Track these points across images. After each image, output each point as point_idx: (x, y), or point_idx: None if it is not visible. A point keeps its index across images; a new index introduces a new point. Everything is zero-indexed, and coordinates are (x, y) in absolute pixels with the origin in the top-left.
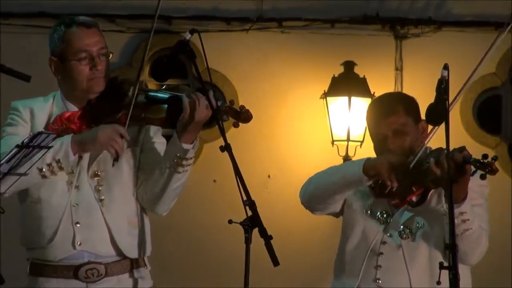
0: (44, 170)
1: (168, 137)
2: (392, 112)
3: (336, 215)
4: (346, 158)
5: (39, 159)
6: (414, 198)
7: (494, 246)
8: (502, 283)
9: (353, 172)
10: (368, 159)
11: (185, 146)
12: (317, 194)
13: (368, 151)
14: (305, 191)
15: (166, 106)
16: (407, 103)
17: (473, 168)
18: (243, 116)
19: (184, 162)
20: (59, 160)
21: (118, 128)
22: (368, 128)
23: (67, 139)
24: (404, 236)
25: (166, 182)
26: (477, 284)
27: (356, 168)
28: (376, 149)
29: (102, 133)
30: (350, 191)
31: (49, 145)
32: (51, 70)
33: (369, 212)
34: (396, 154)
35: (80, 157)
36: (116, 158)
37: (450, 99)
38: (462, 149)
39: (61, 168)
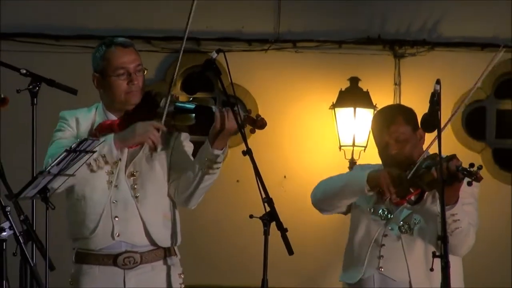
0: (92, 164)
1: (195, 143)
2: (393, 122)
3: (344, 213)
4: (352, 161)
5: (84, 162)
6: (412, 198)
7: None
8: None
9: (357, 183)
10: (371, 172)
11: (216, 151)
12: (325, 198)
13: (371, 155)
14: (315, 195)
15: (193, 115)
16: (406, 114)
17: (462, 176)
18: (259, 123)
19: (214, 165)
20: (104, 155)
21: (153, 122)
22: (373, 136)
23: (111, 137)
24: (403, 230)
25: (198, 181)
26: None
27: (360, 179)
28: (380, 154)
29: (139, 126)
30: (355, 198)
31: (94, 150)
32: (94, 85)
33: (372, 210)
34: (395, 168)
35: (119, 159)
36: (154, 148)
37: (442, 110)
38: (453, 157)
39: (106, 162)
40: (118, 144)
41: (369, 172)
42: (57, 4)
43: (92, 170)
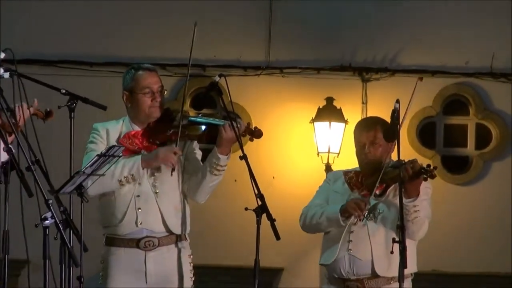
0: (122, 180)
1: (203, 150)
2: (372, 128)
3: None
4: (328, 165)
5: (111, 165)
6: (377, 192)
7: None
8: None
9: (333, 216)
10: (341, 206)
11: (221, 156)
12: (309, 230)
13: (342, 160)
14: (302, 225)
15: (202, 127)
16: (383, 125)
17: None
18: (256, 133)
19: (219, 168)
20: (133, 174)
21: (172, 148)
22: (354, 137)
23: (138, 159)
24: (369, 218)
25: (206, 180)
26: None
27: (335, 213)
28: (357, 153)
29: (162, 152)
30: (333, 228)
31: (119, 154)
32: (123, 101)
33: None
34: (365, 173)
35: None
36: (173, 169)
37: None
38: (415, 160)
39: (134, 180)
40: (144, 165)
41: (340, 207)
42: (90, 37)
43: (122, 185)
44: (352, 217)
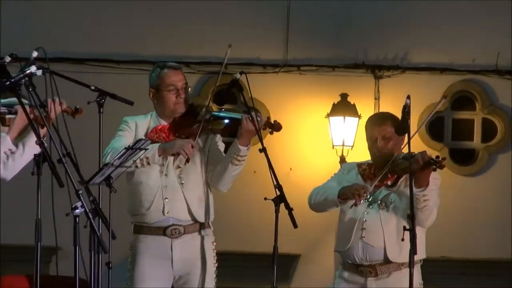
0: (137, 162)
1: (226, 143)
2: (383, 123)
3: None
4: (342, 157)
5: (138, 157)
6: (389, 182)
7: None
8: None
9: (331, 197)
10: (341, 189)
11: (241, 147)
12: (314, 208)
13: (356, 153)
14: (309, 203)
15: (225, 121)
16: (393, 120)
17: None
18: (276, 127)
19: (240, 158)
20: (147, 157)
21: (189, 140)
22: (366, 133)
23: (156, 146)
24: (381, 207)
25: (228, 170)
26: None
27: (334, 195)
28: (369, 147)
29: (177, 143)
30: (334, 207)
31: (146, 147)
32: (149, 97)
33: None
34: (377, 165)
35: (166, 157)
36: (187, 160)
37: (411, 118)
38: (425, 152)
39: (148, 164)
40: (161, 152)
41: (340, 189)
42: (118, 36)
43: (136, 166)
44: (349, 201)
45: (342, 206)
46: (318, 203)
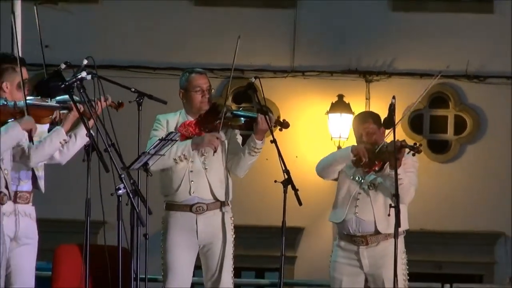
0: (177, 159)
1: (243, 136)
2: (366, 121)
3: (336, 179)
4: (339, 147)
5: (170, 146)
6: (376, 168)
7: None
8: None
9: (345, 153)
10: (353, 146)
11: (257, 141)
12: (324, 168)
13: (350, 143)
14: (318, 167)
15: (241, 119)
16: (375, 117)
17: (408, 150)
18: (285, 125)
19: (256, 150)
20: (185, 154)
21: (216, 134)
22: (353, 130)
23: (189, 142)
24: (371, 188)
25: (245, 159)
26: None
27: (347, 151)
28: (357, 141)
29: (206, 137)
30: (344, 164)
31: (176, 139)
32: (179, 97)
33: (351, 177)
34: (366, 145)
35: (199, 150)
36: (215, 151)
37: (397, 116)
38: (403, 140)
39: (186, 159)
40: (194, 147)
41: (352, 146)
42: (154, 46)
43: (177, 163)
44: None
45: (338, 183)
46: (325, 165)
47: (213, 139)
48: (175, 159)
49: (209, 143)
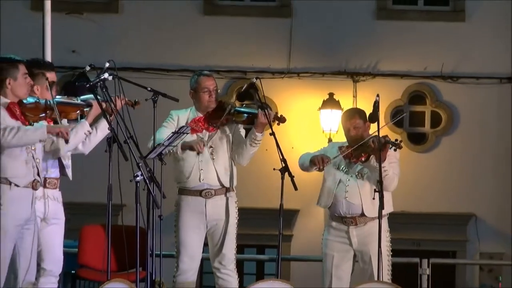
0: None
1: (246, 130)
2: (352, 117)
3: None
4: (329, 139)
5: (181, 139)
6: (363, 159)
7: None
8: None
9: (307, 163)
10: (313, 156)
11: (257, 134)
12: (302, 168)
13: (339, 136)
14: (299, 164)
15: (244, 115)
16: (360, 113)
17: (391, 146)
18: (282, 120)
19: (256, 141)
20: (171, 151)
21: (198, 141)
22: (342, 124)
23: (179, 144)
24: (358, 177)
25: (247, 150)
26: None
27: (307, 160)
28: (345, 135)
29: (192, 142)
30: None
31: (187, 132)
32: (190, 96)
33: (336, 167)
34: (350, 146)
35: (202, 138)
36: (198, 152)
37: (380, 112)
38: (386, 135)
39: (172, 155)
40: (182, 148)
41: (310, 157)
42: (167, 51)
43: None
44: (314, 167)
45: (324, 173)
46: (301, 166)
47: (198, 143)
48: (171, 151)
49: (194, 145)
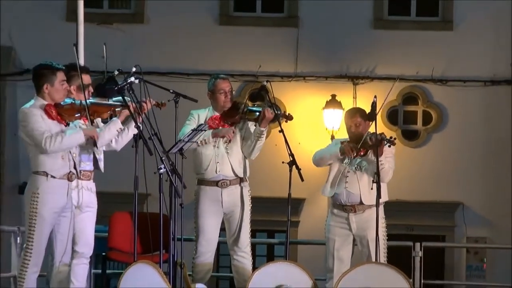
0: (198, 143)
1: None
2: (354, 115)
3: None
4: (332, 136)
5: (200, 136)
6: (362, 154)
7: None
8: None
9: (334, 152)
10: (340, 146)
11: (263, 129)
12: (318, 162)
13: (341, 133)
14: (314, 158)
15: (256, 113)
16: (361, 112)
17: (386, 142)
18: (289, 118)
19: (262, 136)
20: (205, 140)
21: (231, 128)
22: (344, 122)
23: (210, 132)
24: (357, 169)
25: (254, 144)
26: None
27: (335, 150)
28: (347, 131)
29: (224, 130)
30: (333, 160)
31: (205, 129)
32: (208, 97)
33: (341, 160)
34: (352, 141)
35: (217, 138)
36: (229, 141)
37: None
38: (382, 133)
39: (206, 143)
40: (213, 135)
41: (340, 147)
42: (187, 57)
43: (198, 145)
44: (342, 156)
45: (331, 165)
46: (320, 159)
47: (230, 131)
48: (197, 143)
49: (225, 135)
